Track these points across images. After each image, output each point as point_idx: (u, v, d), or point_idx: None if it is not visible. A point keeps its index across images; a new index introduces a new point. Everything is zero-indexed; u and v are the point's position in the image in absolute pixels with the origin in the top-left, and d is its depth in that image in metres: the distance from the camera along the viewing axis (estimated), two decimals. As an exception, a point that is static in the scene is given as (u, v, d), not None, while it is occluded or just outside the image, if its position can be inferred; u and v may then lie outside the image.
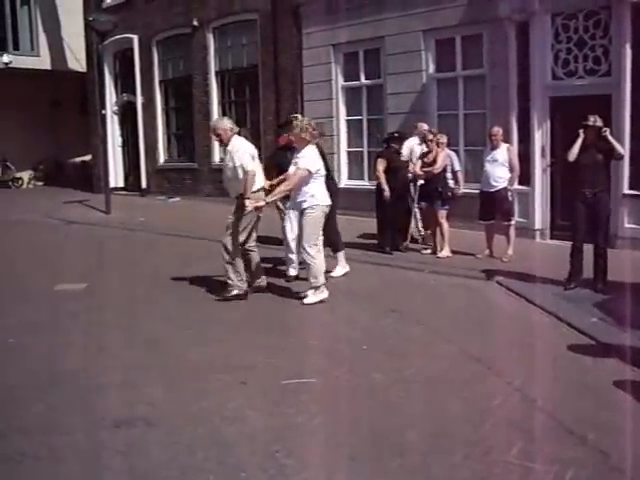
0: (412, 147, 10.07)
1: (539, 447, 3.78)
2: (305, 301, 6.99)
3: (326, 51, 13.46)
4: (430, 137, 9.43)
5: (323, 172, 7.13)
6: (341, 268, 8.31)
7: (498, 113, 10.61)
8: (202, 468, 3.60)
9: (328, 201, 7.14)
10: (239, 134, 7.31)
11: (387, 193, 9.40)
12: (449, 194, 9.45)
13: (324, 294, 7.04)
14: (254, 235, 7.43)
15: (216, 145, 16.50)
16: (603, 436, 3.88)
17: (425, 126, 10.26)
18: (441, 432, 4.00)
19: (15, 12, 21.60)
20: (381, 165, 9.56)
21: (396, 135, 9.92)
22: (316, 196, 6.99)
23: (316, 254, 7.00)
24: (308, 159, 6.96)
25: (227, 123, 7.27)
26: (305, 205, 6.98)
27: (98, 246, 11.38)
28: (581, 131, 7.26)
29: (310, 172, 6.90)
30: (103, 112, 16.49)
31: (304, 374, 4.98)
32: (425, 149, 9.56)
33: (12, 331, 6.18)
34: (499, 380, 4.85)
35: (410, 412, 4.30)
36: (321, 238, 7.21)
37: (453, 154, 9.88)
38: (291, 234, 7.80)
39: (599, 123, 7.21)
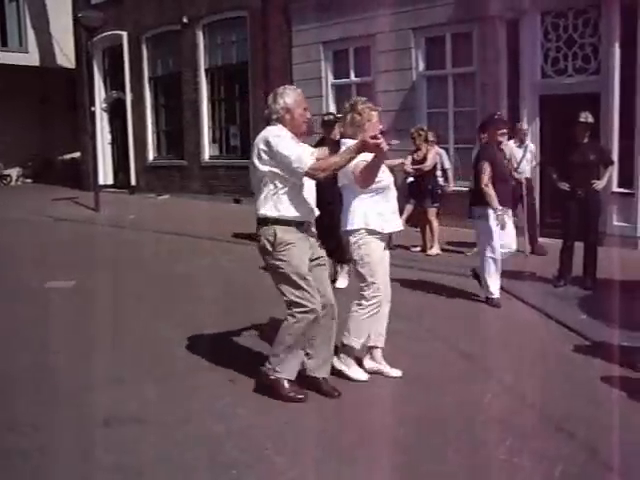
0: (511, 149, 9.11)
1: (528, 443, 3.79)
2: (350, 374, 4.78)
3: (316, 48, 13.46)
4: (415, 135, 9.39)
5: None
6: (345, 280, 7.54)
7: (488, 111, 10.60)
8: (193, 466, 3.59)
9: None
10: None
11: None
12: (439, 192, 9.48)
13: (362, 375, 4.80)
14: None
15: (206, 142, 16.50)
16: (592, 432, 3.90)
17: (525, 125, 9.67)
18: (431, 429, 4.01)
19: (3, 8, 21.51)
20: None
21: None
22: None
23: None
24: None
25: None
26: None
27: (88, 244, 11.33)
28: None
29: None
30: (92, 109, 16.48)
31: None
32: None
33: (2, 328, 6.16)
34: (489, 377, 4.87)
35: (400, 410, 4.30)
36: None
37: (443, 152, 9.91)
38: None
39: (590, 119, 7.23)
